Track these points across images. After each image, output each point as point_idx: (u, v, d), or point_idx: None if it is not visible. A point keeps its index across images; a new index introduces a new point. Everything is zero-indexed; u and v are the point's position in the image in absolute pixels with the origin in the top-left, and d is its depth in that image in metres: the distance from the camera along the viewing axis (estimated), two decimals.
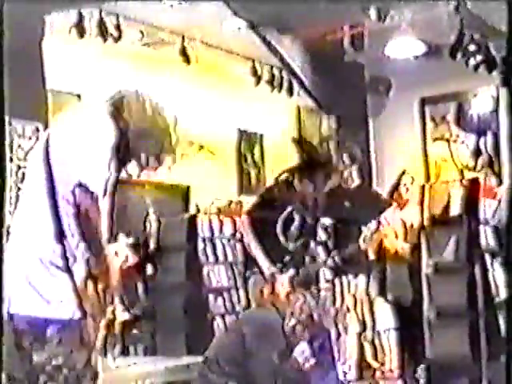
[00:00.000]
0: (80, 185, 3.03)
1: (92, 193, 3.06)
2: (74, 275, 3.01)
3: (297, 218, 5.09)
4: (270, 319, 4.69)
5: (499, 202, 6.34)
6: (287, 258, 5.69)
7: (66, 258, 3.01)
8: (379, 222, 6.53)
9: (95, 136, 3.09)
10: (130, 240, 5.71)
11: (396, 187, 6.79)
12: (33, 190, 3.14)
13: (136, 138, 3.16)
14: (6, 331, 2.98)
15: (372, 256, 6.53)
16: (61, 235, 3.03)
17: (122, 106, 3.16)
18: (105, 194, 3.05)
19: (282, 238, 5.06)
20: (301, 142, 5.88)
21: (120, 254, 3.41)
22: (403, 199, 6.76)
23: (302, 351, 4.55)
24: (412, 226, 6.53)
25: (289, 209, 5.01)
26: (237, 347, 4.63)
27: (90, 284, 3.03)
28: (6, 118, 5.73)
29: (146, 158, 3.21)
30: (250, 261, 6.78)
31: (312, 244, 5.84)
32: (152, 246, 6.65)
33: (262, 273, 5.92)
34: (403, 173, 6.93)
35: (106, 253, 3.14)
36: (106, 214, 3.08)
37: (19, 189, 5.54)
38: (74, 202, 3.02)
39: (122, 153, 3.10)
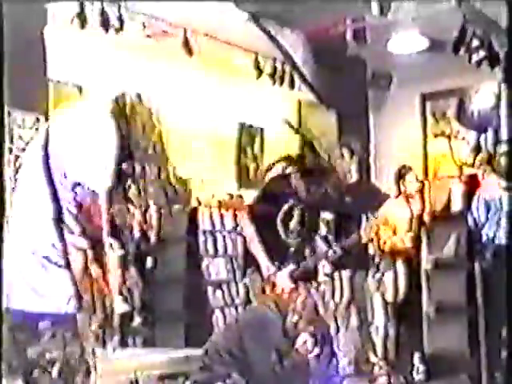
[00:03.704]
0: (79, 183, 3.04)
1: (92, 190, 3.06)
2: (70, 268, 3.00)
3: (296, 212, 5.06)
4: (268, 317, 4.68)
5: (499, 198, 6.34)
6: (287, 252, 5.68)
7: (63, 251, 3.00)
8: (378, 216, 6.52)
9: (96, 136, 3.09)
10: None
11: (398, 181, 6.79)
12: (30, 183, 3.14)
13: (136, 140, 3.18)
14: (6, 325, 2.99)
15: (372, 251, 6.54)
16: (60, 227, 3.03)
17: (125, 108, 3.17)
18: (104, 191, 3.05)
19: (281, 233, 5.04)
20: (298, 130, 5.87)
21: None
22: (407, 193, 6.77)
23: (303, 342, 4.55)
24: (412, 221, 6.54)
25: (288, 203, 5.00)
26: (235, 344, 4.64)
27: (87, 277, 3.03)
28: (6, 109, 5.74)
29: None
30: (249, 255, 6.78)
31: (313, 239, 5.83)
32: (152, 238, 6.65)
33: (260, 272, 5.90)
34: (403, 167, 6.92)
35: (105, 245, 3.13)
36: (105, 209, 3.08)
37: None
38: (74, 198, 3.02)
39: (122, 153, 3.11)
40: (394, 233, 6.56)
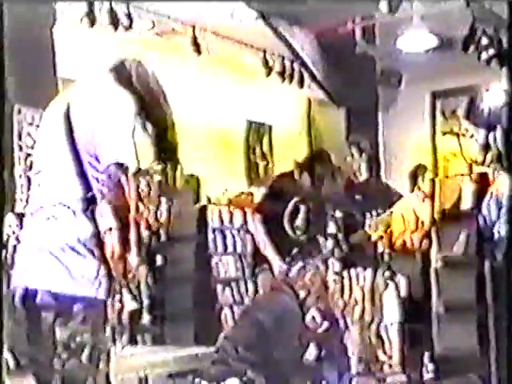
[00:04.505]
0: (111, 164, 3.01)
1: (124, 168, 3.03)
2: (102, 254, 3.00)
3: (302, 209, 5.07)
4: (285, 301, 4.66)
5: (510, 197, 6.31)
6: (295, 250, 5.68)
7: (95, 234, 3.00)
8: (389, 213, 6.51)
9: (114, 108, 3.06)
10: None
11: (414, 179, 6.80)
12: (55, 163, 3.10)
13: (151, 98, 3.14)
14: (23, 306, 2.99)
15: (381, 248, 6.53)
16: (91, 209, 3.02)
17: (126, 71, 3.15)
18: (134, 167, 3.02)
19: (289, 231, 5.04)
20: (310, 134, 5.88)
21: None
22: (421, 192, 6.77)
23: (312, 317, 4.54)
24: (423, 219, 6.52)
25: (294, 200, 5.00)
26: (254, 332, 4.61)
27: (119, 263, 3.02)
28: (16, 106, 5.75)
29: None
30: (259, 253, 6.78)
31: (320, 236, 5.83)
32: (162, 235, 6.65)
33: (271, 269, 5.91)
34: (419, 166, 6.93)
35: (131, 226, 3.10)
36: (134, 188, 3.08)
37: (28, 177, 5.54)
38: (108, 178, 3.00)
39: (144, 114, 3.08)
40: (406, 230, 6.55)
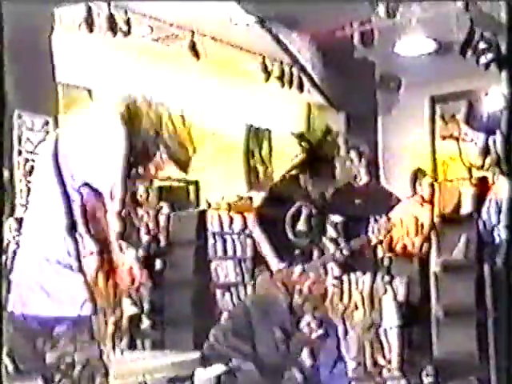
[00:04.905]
0: (86, 184, 3.03)
1: (99, 192, 3.05)
2: (84, 271, 3.01)
3: (304, 214, 5.06)
4: (276, 296, 4.68)
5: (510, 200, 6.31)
6: (296, 253, 5.67)
7: (76, 254, 3.01)
8: (389, 218, 6.50)
9: (105, 138, 3.08)
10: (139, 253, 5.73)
11: (414, 183, 6.81)
12: (42, 187, 3.14)
13: (147, 143, 3.16)
14: (20, 332, 3.00)
15: (381, 253, 6.53)
16: (72, 231, 3.03)
17: (134, 110, 3.15)
18: (112, 197, 3.04)
19: (290, 235, 5.03)
20: (303, 136, 5.86)
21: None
22: (421, 196, 6.78)
23: (307, 322, 4.55)
24: (422, 223, 6.52)
25: (296, 205, 4.99)
26: (243, 320, 4.64)
27: (100, 279, 3.03)
28: (16, 112, 5.76)
29: (158, 163, 3.21)
30: (258, 257, 6.78)
31: (321, 241, 5.83)
32: (162, 240, 6.65)
33: (270, 270, 5.88)
34: (419, 170, 6.94)
35: (114, 249, 3.12)
36: (116, 214, 3.08)
37: (28, 181, 5.55)
38: (80, 200, 3.02)
39: (133, 158, 3.11)
40: (406, 234, 6.55)
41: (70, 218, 3.03)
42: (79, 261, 3.01)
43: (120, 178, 3.04)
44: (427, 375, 6.03)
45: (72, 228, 3.02)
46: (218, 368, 4.58)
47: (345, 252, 5.11)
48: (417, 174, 6.94)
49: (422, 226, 6.62)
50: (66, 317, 3.00)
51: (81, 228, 3.01)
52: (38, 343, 3.00)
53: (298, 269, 4.89)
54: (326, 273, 5.37)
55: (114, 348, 3.49)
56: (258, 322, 4.60)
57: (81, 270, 3.01)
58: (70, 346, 2.99)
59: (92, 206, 3.03)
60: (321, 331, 4.57)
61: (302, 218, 5.02)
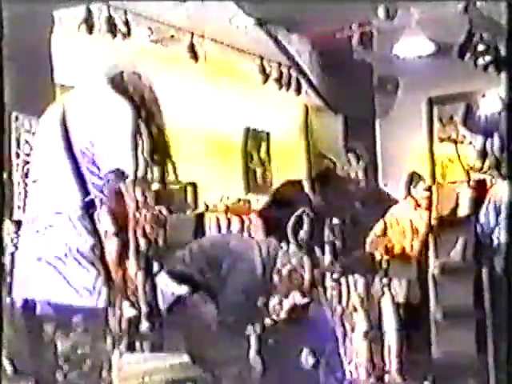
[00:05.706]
0: (112, 170, 3.01)
1: (125, 175, 3.03)
2: (102, 263, 2.99)
3: (306, 221, 5.06)
4: (251, 251, 4.59)
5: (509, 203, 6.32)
6: None
7: (95, 244, 2.99)
8: (386, 223, 6.51)
9: (112, 116, 3.07)
10: None
11: (409, 186, 6.82)
12: (52, 172, 3.09)
13: (146, 109, 3.15)
14: (24, 317, 2.98)
15: (379, 255, 6.53)
16: (90, 217, 3.01)
17: (124, 82, 3.15)
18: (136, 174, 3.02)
19: (292, 240, 5.02)
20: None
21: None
22: (416, 198, 6.79)
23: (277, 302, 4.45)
24: (417, 227, 6.53)
25: (299, 211, 4.98)
26: (217, 257, 4.54)
27: (119, 271, 3.02)
28: (14, 114, 5.76)
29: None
30: None
31: (320, 245, 5.83)
32: (160, 243, 6.63)
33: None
34: (415, 173, 6.95)
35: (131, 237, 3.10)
36: (133, 197, 3.07)
37: (26, 184, 5.54)
38: (105, 184, 3.00)
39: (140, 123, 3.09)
40: (403, 236, 6.56)
41: (87, 203, 2.99)
42: (99, 256, 2.98)
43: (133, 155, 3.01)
44: (426, 377, 6.03)
45: (90, 214, 3.00)
46: (183, 289, 4.45)
47: (343, 262, 5.11)
48: (412, 177, 6.96)
49: (417, 228, 6.63)
50: (83, 307, 2.98)
51: (104, 214, 2.97)
52: (47, 328, 2.97)
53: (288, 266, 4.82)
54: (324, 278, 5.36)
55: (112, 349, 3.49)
56: (228, 267, 4.49)
57: (100, 264, 2.98)
58: (84, 338, 2.97)
59: (117, 191, 3.01)
60: (306, 300, 4.46)
61: (304, 225, 5.00)
